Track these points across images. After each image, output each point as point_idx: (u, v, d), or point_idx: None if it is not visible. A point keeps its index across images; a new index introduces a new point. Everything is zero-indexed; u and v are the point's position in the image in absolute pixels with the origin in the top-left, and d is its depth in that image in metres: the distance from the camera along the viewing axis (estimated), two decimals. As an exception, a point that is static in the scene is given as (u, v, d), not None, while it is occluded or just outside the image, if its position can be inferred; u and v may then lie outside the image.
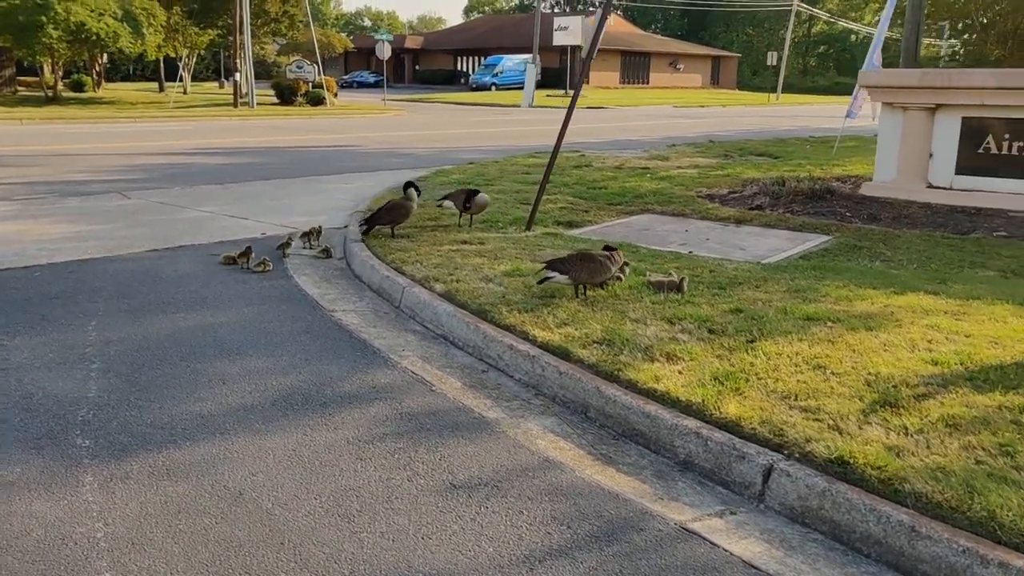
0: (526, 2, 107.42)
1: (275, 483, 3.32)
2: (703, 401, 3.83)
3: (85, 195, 10.68)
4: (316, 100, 35.27)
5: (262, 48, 40.50)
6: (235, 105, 32.94)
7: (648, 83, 66.79)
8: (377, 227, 7.58)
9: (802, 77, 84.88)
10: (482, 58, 65.85)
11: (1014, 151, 9.34)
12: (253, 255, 6.92)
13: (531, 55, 61.23)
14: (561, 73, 57.55)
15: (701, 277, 6.19)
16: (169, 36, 36.43)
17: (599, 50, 62.38)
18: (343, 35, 67.39)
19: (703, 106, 45.41)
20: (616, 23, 72.14)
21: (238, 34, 33.08)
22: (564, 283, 5.51)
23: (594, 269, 5.47)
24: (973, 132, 9.55)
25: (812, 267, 6.92)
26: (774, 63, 54.18)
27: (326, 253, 7.44)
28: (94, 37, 29.72)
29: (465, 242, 7.42)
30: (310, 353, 4.88)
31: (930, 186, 9.86)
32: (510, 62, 60.87)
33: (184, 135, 20.79)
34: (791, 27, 61.08)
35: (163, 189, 11.27)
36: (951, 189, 9.76)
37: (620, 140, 20.45)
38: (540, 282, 5.55)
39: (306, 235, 7.72)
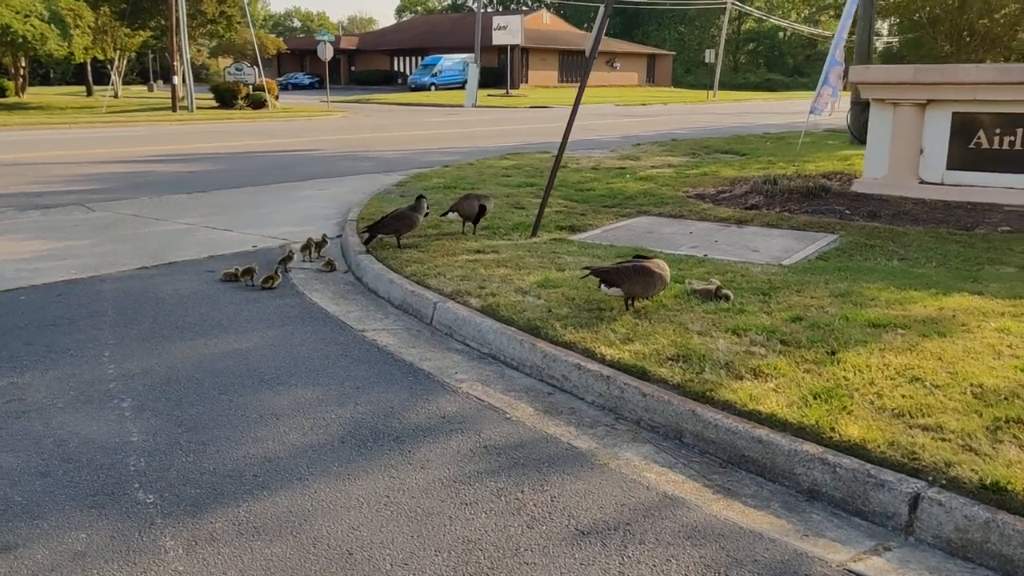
0: (459, 1, 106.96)
1: (384, 538, 2.95)
2: (817, 423, 3.58)
3: (44, 208, 10.00)
4: (257, 103, 34.34)
5: (198, 50, 39.25)
6: (174, 109, 31.83)
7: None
8: (380, 236, 7.19)
9: (733, 74, 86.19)
10: (419, 58, 65.23)
11: (1005, 146, 9.38)
12: (257, 271, 6.47)
13: (469, 55, 61.01)
14: (500, 73, 57.36)
15: (735, 282, 5.97)
16: (98, 38, 35.06)
17: (537, 49, 62.06)
18: (273, 36, 65.98)
19: (645, 104, 45.63)
20: (553, 22, 72.28)
21: (174, 36, 31.95)
22: (615, 296, 5.22)
23: (648, 283, 5.18)
24: (964, 127, 9.56)
25: (837, 268, 6.76)
26: (711, 60, 54.74)
27: (330, 266, 7.02)
28: (20, 39, 28.37)
29: (479, 251, 7.07)
30: (358, 380, 4.49)
31: (922, 182, 9.85)
32: (448, 62, 60.43)
33: (131, 142, 19.90)
34: (725, 24, 61.90)
35: (128, 200, 10.64)
36: (943, 184, 9.76)
37: (582, 140, 20.20)
38: (583, 276, 5.24)
39: (306, 247, 7.28)
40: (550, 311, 5.21)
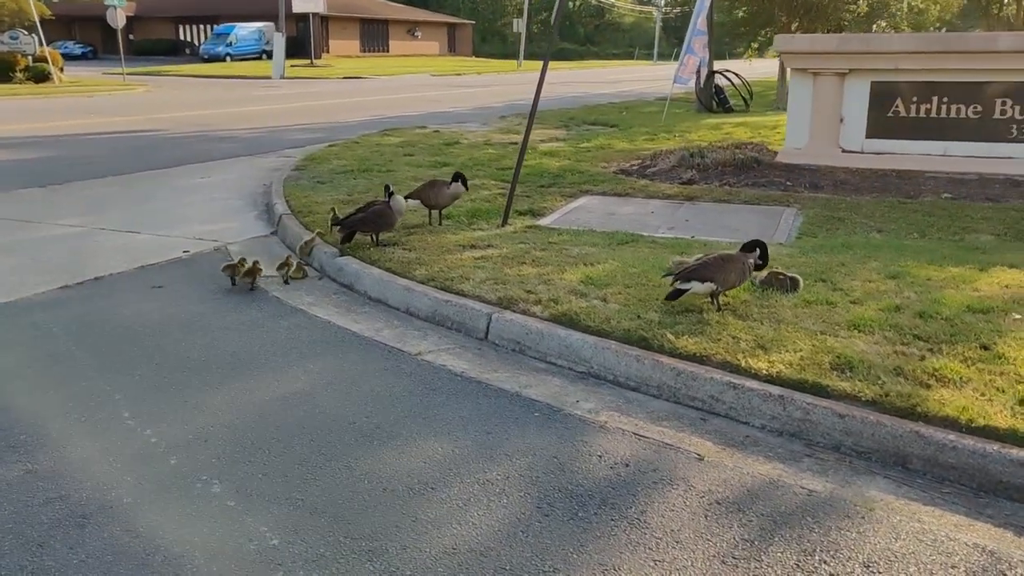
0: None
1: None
2: (1069, 436, 3.22)
3: None
4: (40, 76, 30.51)
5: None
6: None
7: (388, 51, 65.25)
8: (357, 235, 6.23)
9: (528, 44, 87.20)
10: (209, 27, 60.85)
11: (922, 113, 9.64)
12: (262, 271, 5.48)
13: (264, 23, 57.68)
14: (300, 41, 54.61)
15: (771, 268, 5.57)
16: None
17: (338, 17, 59.79)
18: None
19: (459, 74, 45.01)
20: (351, -11, 69.67)
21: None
22: (703, 292, 4.66)
23: (741, 272, 4.68)
24: (882, 96, 9.75)
25: (841, 245, 6.59)
26: (519, 30, 54.77)
27: (301, 271, 5.98)
28: None
29: (473, 246, 6.28)
30: (476, 421, 3.68)
31: (843, 151, 9.97)
32: (244, 31, 56.79)
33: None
34: (525, -8, 62.03)
35: (-29, 198, 8.81)
36: (863, 153, 9.93)
37: (437, 112, 19.37)
38: (672, 297, 4.65)
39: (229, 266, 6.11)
40: (639, 317, 4.58)
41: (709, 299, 4.75)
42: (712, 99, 19.96)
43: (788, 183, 9.22)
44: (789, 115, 10.35)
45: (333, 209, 6.95)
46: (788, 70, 10.33)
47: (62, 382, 4.03)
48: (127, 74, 35.02)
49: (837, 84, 9.83)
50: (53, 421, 3.61)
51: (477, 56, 74.76)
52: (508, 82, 36.67)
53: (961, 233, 7.14)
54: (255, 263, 5.65)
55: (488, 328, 4.79)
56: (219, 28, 57.47)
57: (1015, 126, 9.33)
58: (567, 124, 16.31)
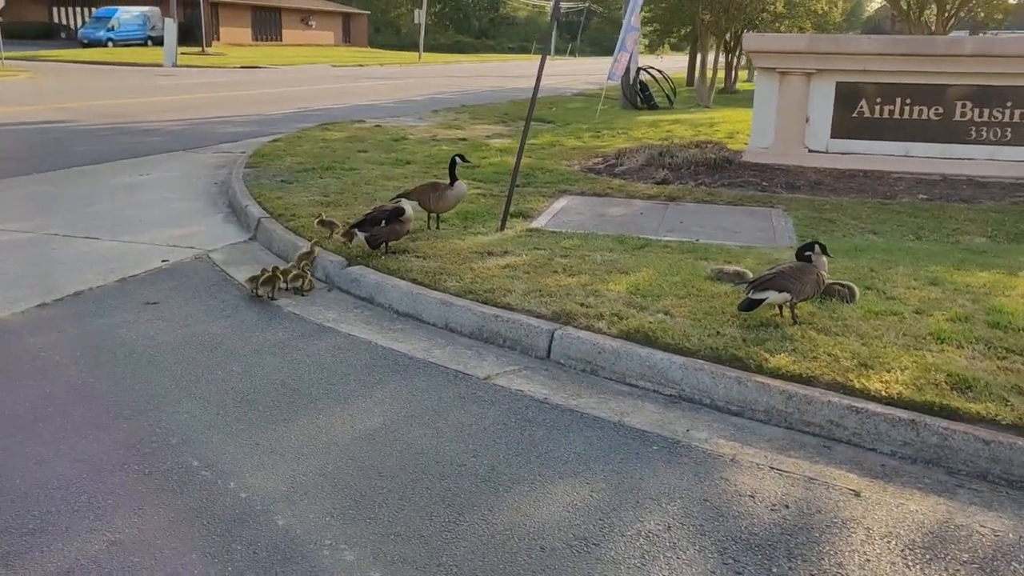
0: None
1: None
2: None
3: None
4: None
5: None
6: None
7: (281, 40, 63.12)
8: (381, 243, 5.74)
9: (424, 36, 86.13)
10: (87, 9, 57.47)
11: (885, 114, 9.76)
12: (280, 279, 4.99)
13: (148, 8, 54.86)
14: (187, 28, 52.20)
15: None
16: None
17: (228, 4, 57.54)
18: None
19: (361, 65, 43.87)
20: (240, -25, 67.07)
21: None
22: (777, 302, 4.43)
23: (815, 283, 4.47)
24: (847, 97, 9.82)
25: (853, 249, 6.51)
26: (419, 21, 53.91)
27: (309, 283, 5.45)
28: None
29: (489, 253, 5.89)
30: (603, 462, 3.32)
31: (809, 151, 10.00)
32: (126, 15, 53.86)
33: None
34: (424, -15, 61.16)
35: None
36: (828, 152, 9.99)
37: (361, 106, 18.68)
38: (747, 308, 4.41)
39: (284, 274, 5.55)
40: (718, 333, 4.30)
41: (777, 309, 4.53)
42: (637, 96, 19.97)
43: (764, 183, 9.16)
44: (755, 114, 10.31)
45: (320, 214, 6.40)
46: (756, 70, 10.28)
47: (98, 424, 3.44)
48: (4, 58, 32.54)
49: (803, 84, 9.84)
50: (112, 474, 3.04)
51: (372, 47, 73.38)
52: (415, 75, 36.01)
53: (954, 235, 7.19)
54: (275, 270, 5.13)
55: (550, 346, 4.42)
56: (99, 11, 54.31)
57: (974, 128, 9.54)
58: (504, 120, 15.97)
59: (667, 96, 20.78)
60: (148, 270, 5.75)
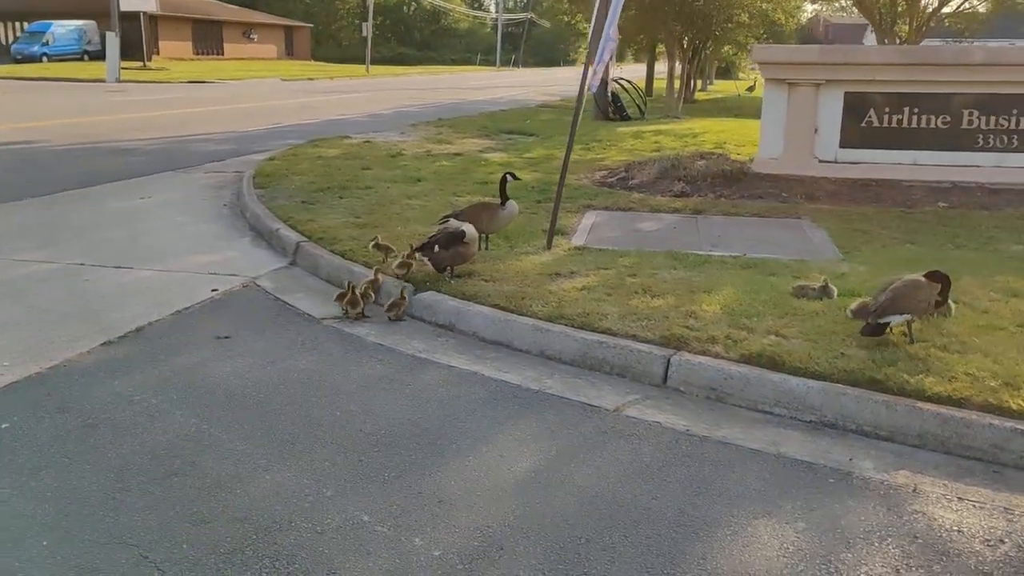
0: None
1: None
2: None
3: None
4: None
5: None
6: None
7: (223, 54, 61.92)
8: (445, 267, 5.51)
9: (363, 48, 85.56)
10: (18, 24, 55.61)
11: (894, 124, 9.84)
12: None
13: (84, 22, 53.29)
14: (126, 42, 50.83)
15: (861, 289, 5.29)
16: None
17: (169, 17, 56.30)
18: None
19: (311, 79, 43.21)
20: (180, -12, 65.69)
21: None
22: (899, 323, 4.33)
23: (928, 299, 4.38)
24: (856, 106, 9.87)
25: (903, 260, 6.44)
26: (366, 34, 53.42)
27: (402, 311, 5.19)
28: None
29: (558, 274, 5.70)
30: (791, 501, 3.16)
31: (819, 160, 10.03)
32: (61, 29, 52.27)
33: None
34: (368, -3, 60.70)
35: None
36: (837, 162, 10.03)
37: (334, 121, 18.28)
38: (872, 333, 4.30)
39: (341, 296, 5.26)
40: (843, 354, 4.18)
41: (889, 329, 4.43)
42: (609, 107, 19.96)
43: (784, 194, 9.15)
44: (763, 125, 10.30)
45: (376, 238, 6.12)
46: (765, 81, 10.27)
47: (238, 477, 3.15)
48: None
49: (813, 94, 9.87)
50: (284, 533, 2.77)
51: (316, 60, 72.50)
52: (370, 88, 35.59)
53: (990, 243, 7.23)
54: (366, 288, 4.92)
55: (667, 373, 4.25)
56: (33, 26, 52.59)
57: (981, 136, 9.67)
58: (487, 134, 15.76)
59: (638, 107, 20.83)
60: (200, 301, 5.41)
